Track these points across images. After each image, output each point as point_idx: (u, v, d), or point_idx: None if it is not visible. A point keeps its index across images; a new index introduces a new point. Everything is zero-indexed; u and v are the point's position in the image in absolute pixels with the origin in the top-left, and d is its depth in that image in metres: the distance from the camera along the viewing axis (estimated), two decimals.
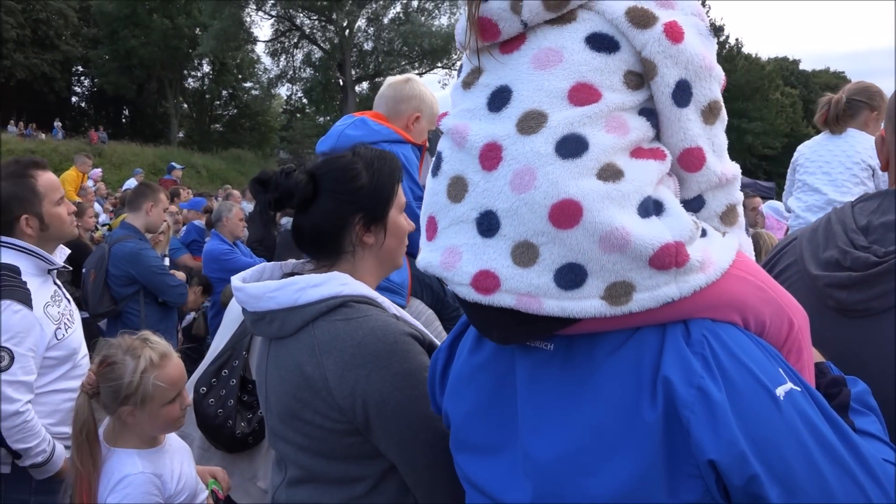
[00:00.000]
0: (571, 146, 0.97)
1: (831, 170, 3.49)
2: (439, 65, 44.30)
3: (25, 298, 2.65)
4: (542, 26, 1.07)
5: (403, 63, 44.78)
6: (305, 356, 1.46)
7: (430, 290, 2.72)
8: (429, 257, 1.10)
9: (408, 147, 2.66)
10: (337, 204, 1.54)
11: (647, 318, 0.99)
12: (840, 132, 3.51)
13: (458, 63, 1.24)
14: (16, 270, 2.71)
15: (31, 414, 2.61)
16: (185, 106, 49.32)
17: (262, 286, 1.52)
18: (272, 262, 1.71)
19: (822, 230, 1.49)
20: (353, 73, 45.30)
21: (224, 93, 50.37)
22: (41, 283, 2.80)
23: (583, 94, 1.00)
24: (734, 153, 1.14)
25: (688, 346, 0.98)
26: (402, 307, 2.55)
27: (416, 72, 44.72)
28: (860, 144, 3.44)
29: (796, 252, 1.53)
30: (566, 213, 0.94)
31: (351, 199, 1.55)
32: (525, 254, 0.97)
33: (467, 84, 1.13)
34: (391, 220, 1.61)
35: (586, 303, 0.96)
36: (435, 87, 42.04)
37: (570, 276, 0.96)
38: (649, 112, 1.05)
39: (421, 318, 2.55)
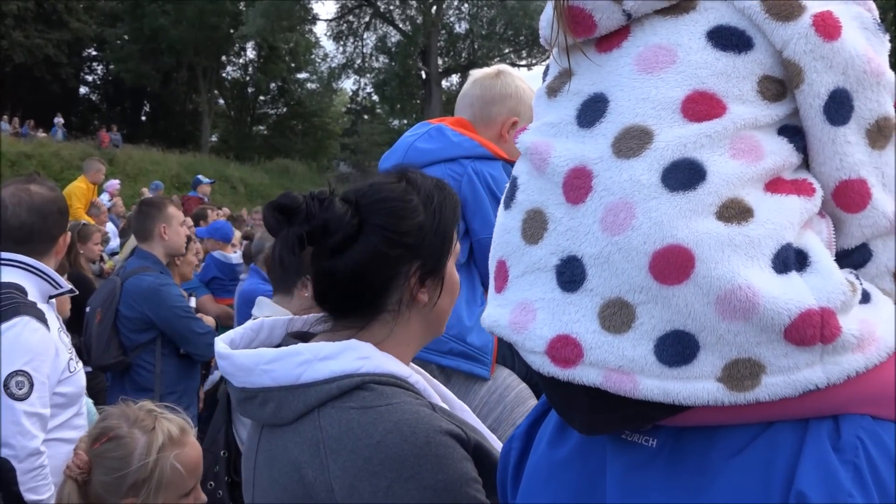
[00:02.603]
0: (683, 175, 0.98)
1: None
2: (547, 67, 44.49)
3: (41, 317, 2.85)
4: (651, 17, 1.09)
5: (507, 50, 45.39)
6: (306, 455, 1.45)
7: None
8: (495, 314, 1.12)
9: (498, 165, 2.71)
10: (389, 245, 1.54)
11: (783, 411, 0.98)
12: None
13: (547, 62, 1.27)
14: (21, 290, 2.93)
15: (46, 458, 2.75)
16: (222, 102, 51.11)
17: (254, 354, 1.52)
18: (273, 318, 1.71)
19: None
20: (441, 62, 46.16)
21: (272, 86, 52.08)
22: (47, 309, 3.02)
23: (701, 107, 1.01)
24: None
25: (835, 451, 0.96)
26: (485, 380, 2.59)
27: (524, 63, 45.22)
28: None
29: None
30: (673, 264, 0.95)
31: (408, 240, 1.55)
32: (617, 315, 0.99)
33: (553, 91, 1.16)
34: (448, 273, 1.63)
35: (697, 385, 0.96)
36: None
37: (677, 349, 0.96)
38: (793, 131, 1.05)
39: (508, 396, 2.58)
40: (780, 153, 1.03)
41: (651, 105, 1.02)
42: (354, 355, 1.50)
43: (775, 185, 1.02)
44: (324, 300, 1.61)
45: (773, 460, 0.98)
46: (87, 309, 4.87)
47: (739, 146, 1.01)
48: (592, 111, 1.07)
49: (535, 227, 1.09)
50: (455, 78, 47.61)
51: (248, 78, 52.07)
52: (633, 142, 1.02)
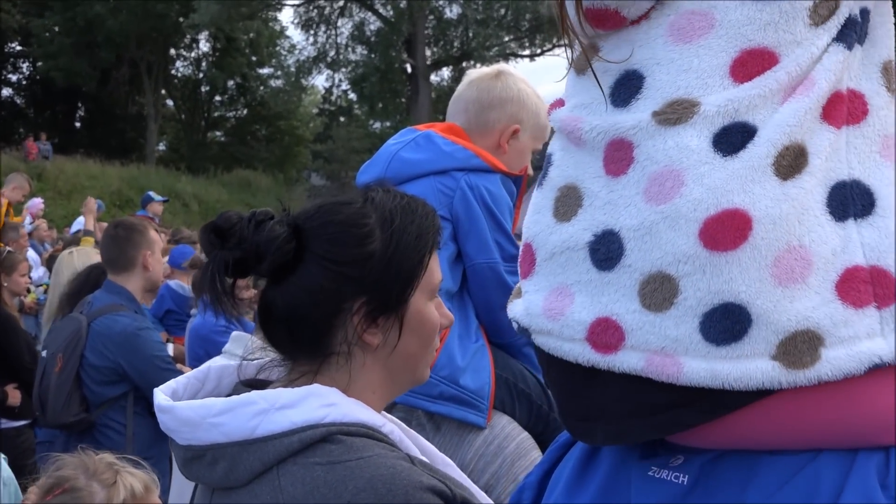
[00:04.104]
0: (736, 139, 1.04)
1: None
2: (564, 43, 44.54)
3: None
4: None
5: (507, 39, 45.44)
6: None
7: (527, 400, 2.79)
8: (527, 302, 1.17)
9: (496, 179, 2.76)
10: (328, 278, 1.55)
11: (831, 431, 1.03)
12: None
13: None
14: None
15: None
16: (171, 103, 51.10)
17: (200, 406, 1.52)
18: (221, 363, 1.73)
19: None
20: (429, 53, 46.22)
21: (230, 84, 51.86)
22: None
23: (753, 67, 1.07)
24: None
25: (883, 487, 1.00)
26: (481, 428, 2.62)
27: (527, 53, 45.30)
28: None
29: None
30: (729, 227, 1.00)
31: (350, 272, 1.56)
32: (658, 291, 1.04)
33: (581, 68, 1.21)
34: (413, 311, 1.62)
35: (750, 364, 1.00)
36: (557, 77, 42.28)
37: (725, 325, 1.01)
38: (851, 26, 1.10)
39: (508, 447, 2.60)
40: (833, 67, 1.08)
41: (696, 76, 1.08)
42: (318, 402, 1.51)
43: (832, 107, 1.07)
44: (268, 335, 1.64)
45: (815, 496, 1.01)
46: (44, 353, 4.76)
47: (794, 87, 1.06)
48: (626, 89, 1.13)
49: (568, 203, 1.13)
50: (446, 72, 47.57)
51: (201, 75, 51.99)
52: (678, 111, 1.07)
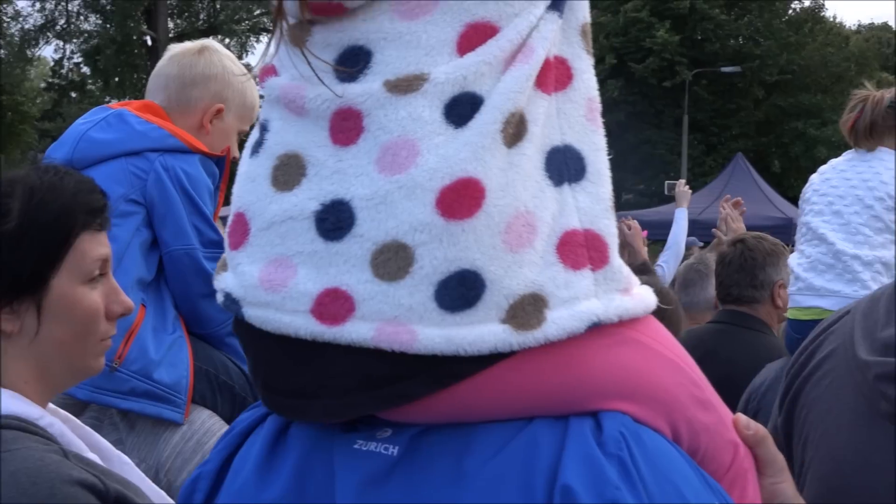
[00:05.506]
0: (465, 109, 1.09)
1: (844, 207, 3.70)
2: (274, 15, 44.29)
3: None
4: None
5: (258, 12, 44.84)
6: None
7: (230, 393, 2.80)
8: (240, 274, 1.17)
9: (195, 160, 2.76)
10: None
11: (542, 401, 1.12)
12: (870, 150, 3.76)
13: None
14: None
15: None
16: None
17: None
18: None
19: (885, 300, 1.59)
20: (172, 25, 45.26)
21: None
22: None
23: (475, 39, 1.13)
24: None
25: (599, 446, 1.09)
26: (178, 425, 2.62)
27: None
28: (890, 173, 3.63)
29: (845, 331, 1.64)
30: (464, 196, 1.06)
31: None
32: (392, 261, 1.07)
33: (297, 38, 1.21)
34: (57, 296, 1.62)
35: (483, 329, 1.06)
36: None
37: (459, 291, 1.06)
38: None
39: (208, 443, 2.61)
40: (548, 35, 1.16)
41: (424, 51, 1.12)
42: None
43: (543, 74, 1.15)
44: None
45: (535, 458, 1.08)
46: None
47: (514, 55, 1.13)
48: (352, 63, 1.15)
49: (289, 172, 1.14)
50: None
51: None
52: (410, 81, 1.11)
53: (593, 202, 1.14)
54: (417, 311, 1.06)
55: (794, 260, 3.87)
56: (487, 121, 1.08)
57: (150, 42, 44.61)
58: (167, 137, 2.72)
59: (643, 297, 1.17)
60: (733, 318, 4.42)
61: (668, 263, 7.90)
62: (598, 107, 1.21)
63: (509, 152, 1.09)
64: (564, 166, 1.14)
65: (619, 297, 1.13)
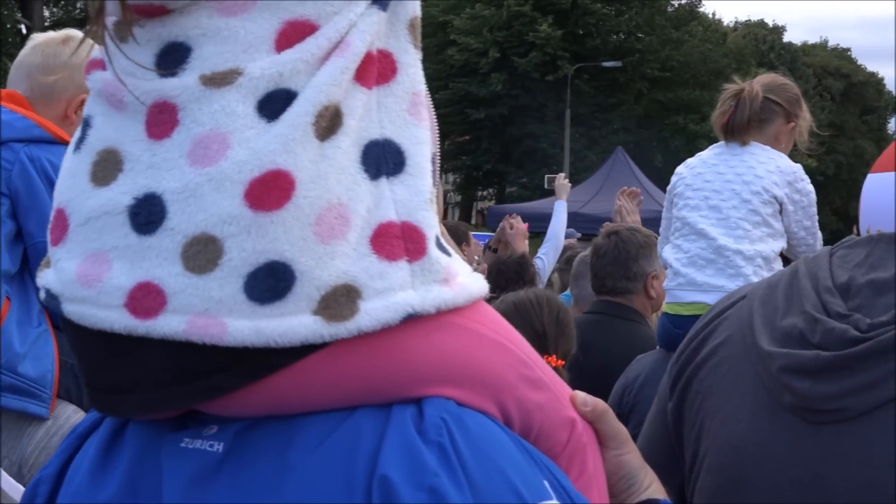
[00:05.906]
0: (279, 105, 1.10)
1: (721, 202, 3.80)
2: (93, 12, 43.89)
3: None
4: None
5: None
6: None
7: None
8: (59, 270, 1.16)
9: (60, 151, 2.64)
10: None
11: (371, 390, 1.14)
12: (743, 144, 3.84)
13: None
14: None
15: None
16: None
17: None
18: None
19: (783, 287, 1.60)
20: (48, 13, 44.36)
21: None
22: None
23: (293, 36, 1.14)
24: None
25: (419, 433, 1.11)
26: (42, 419, 2.59)
27: None
28: (764, 166, 3.78)
29: (742, 318, 1.65)
30: (273, 189, 1.06)
31: None
32: (202, 254, 1.07)
33: (122, 36, 1.20)
34: None
35: (294, 321, 1.07)
36: None
37: (269, 283, 1.07)
38: None
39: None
40: (368, 29, 1.17)
41: (242, 47, 1.12)
42: None
43: (364, 68, 1.16)
44: None
45: (356, 448, 1.10)
46: None
47: (332, 51, 1.14)
48: (172, 59, 1.14)
49: (107, 168, 1.14)
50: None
51: None
52: (224, 76, 1.11)
53: (411, 195, 1.16)
54: (227, 303, 1.07)
55: (669, 254, 3.93)
56: (299, 113, 1.10)
57: (24, 30, 43.65)
58: (33, 128, 2.70)
59: (465, 287, 1.19)
60: (608, 309, 4.56)
61: (548, 255, 8.02)
62: (422, 101, 1.23)
63: (322, 145, 1.10)
64: (383, 159, 1.15)
65: (438, 288, 1.15)
